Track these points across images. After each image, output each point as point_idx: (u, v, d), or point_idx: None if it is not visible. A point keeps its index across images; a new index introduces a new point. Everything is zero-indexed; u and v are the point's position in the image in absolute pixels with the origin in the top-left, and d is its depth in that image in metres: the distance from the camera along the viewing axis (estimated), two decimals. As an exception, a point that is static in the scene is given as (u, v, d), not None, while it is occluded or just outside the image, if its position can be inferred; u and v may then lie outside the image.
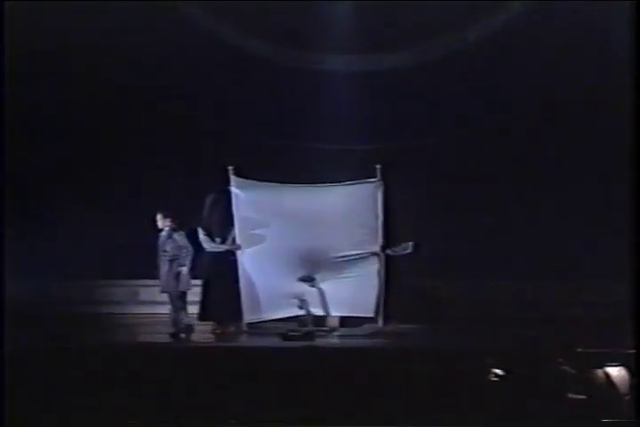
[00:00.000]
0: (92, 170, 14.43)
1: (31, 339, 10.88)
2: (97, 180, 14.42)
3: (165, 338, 11.82)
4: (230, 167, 12.49)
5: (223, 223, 12.41)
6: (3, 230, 10.56)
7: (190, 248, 11.94)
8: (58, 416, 9.18)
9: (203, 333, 12.18)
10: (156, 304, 13.31)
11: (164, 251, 11.93)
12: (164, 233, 12.03)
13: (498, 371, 9.48)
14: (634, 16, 10.19)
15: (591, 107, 13.62)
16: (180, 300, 11.97)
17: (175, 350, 11.20)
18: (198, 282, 12.38)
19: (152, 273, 12.29)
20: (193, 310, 12.37)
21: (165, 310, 12.43)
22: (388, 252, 12.39)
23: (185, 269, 11.91)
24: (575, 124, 14.00)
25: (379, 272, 12.40)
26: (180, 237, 11.94)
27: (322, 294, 12.29)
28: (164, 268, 11.96)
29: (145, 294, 14.00)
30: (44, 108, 14.15)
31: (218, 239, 12.44)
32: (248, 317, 12.34)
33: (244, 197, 12.51)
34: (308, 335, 11.77)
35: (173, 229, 11.97)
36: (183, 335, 11.84)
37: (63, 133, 14.44)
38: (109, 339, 11.91)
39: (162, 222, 12.00)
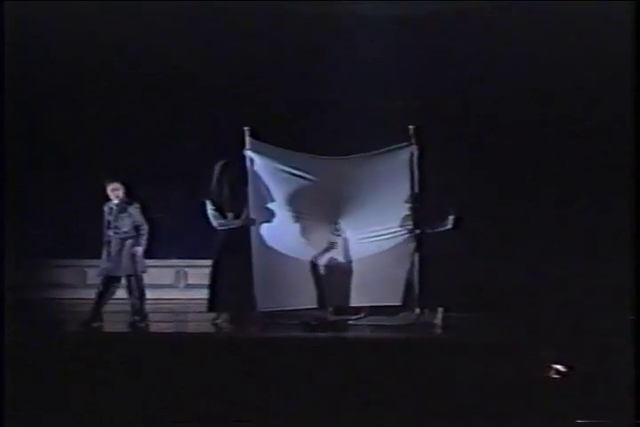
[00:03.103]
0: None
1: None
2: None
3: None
4: (247, 128, 11.34)
5: (235, 195, 11.32)
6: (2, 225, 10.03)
7: (146, 225, 11.03)
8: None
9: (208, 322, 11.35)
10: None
11: (116, 227, 11.00)
12: (114, 206, 11.05)
13: (559, 367, 8.92)
14: (634, 16, 10.08)
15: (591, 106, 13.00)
16: (137, 284, 11.07)
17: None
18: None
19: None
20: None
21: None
22: (425, 228, 11.44)
23: (141, 250, 11.01)
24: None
25: (413, 253, 11.47)
26: (136, 212, 11.01)
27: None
28: (115, 247, 11.01)
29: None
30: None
31: (229, 214, 11.31)
32: (262, 304, 11.27)
33: (262, 163, 11.40)
34: (333, 325, 11.09)
35: (128, 203, 11.04)
36: (143, 325, 11.08)
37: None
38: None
39: (114, 193, 11.03)
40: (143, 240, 11.00)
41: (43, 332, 10.36)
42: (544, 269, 12.49)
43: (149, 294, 11.42)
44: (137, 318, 11.02)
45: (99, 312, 10.95)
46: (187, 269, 13.20)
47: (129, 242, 10.97)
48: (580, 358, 8.96)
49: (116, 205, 11.00)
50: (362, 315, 11.55)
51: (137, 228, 10.99)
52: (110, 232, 11.00)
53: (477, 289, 11.54)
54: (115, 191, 11.01)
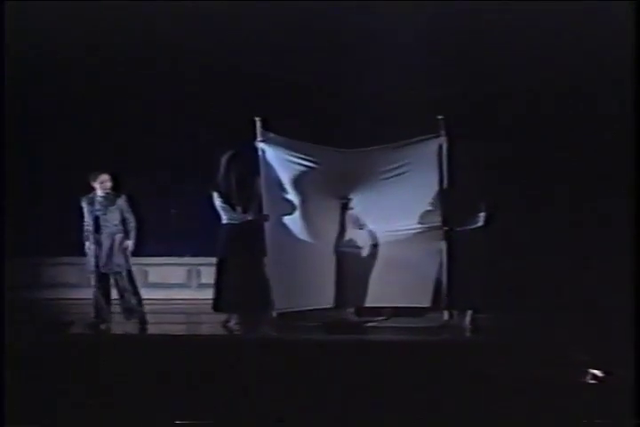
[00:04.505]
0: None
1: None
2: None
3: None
4: (258, 118, 11.04)
5: (246, 188, 10.99)
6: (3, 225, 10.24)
7: (134, 217, 10.88)
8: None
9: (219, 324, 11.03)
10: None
11: (106, 221, 10.78)
12: (99, 198, 10.81)
13: (595, 372, 8.59)
14: (634, 16, 10.16)
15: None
16: (130, 281, 10.87)
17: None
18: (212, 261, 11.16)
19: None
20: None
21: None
22: (454, 226, 11.00)
23: (132, 244, 10.83)
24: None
25: (441, 252, 11.04)
26: (125, 204, 10.83)
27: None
28: (106, 242, 10.76)
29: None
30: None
31: (239, 208, 10.95)
32: (279, 305, 10.95)
33: (275, 155, 11.10)
34: (357, 327, 10.88)
35: (115, 195, 10.85)
36: (146, 326, 10.86)
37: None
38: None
39: (103, 185, 10.80)
40: (133, 234, 10.86)
41: (48, 333, 10.12)
42: (577, 270, 12.02)
43: (158, 294, 11.24)
44: (135, 318, 10.82)
45: (106, 313, 10.77)
46: (200, 268, 12.93)
47: (118, 236, 10.81)
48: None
49: (103, 197, 10.81)
50: (386, 316, 11.25)
51: (124, 221, 10.85)
52: (101, 225, 10.81)
53: (507, 290, 11.12)
54: (103, 183, 10.84)
